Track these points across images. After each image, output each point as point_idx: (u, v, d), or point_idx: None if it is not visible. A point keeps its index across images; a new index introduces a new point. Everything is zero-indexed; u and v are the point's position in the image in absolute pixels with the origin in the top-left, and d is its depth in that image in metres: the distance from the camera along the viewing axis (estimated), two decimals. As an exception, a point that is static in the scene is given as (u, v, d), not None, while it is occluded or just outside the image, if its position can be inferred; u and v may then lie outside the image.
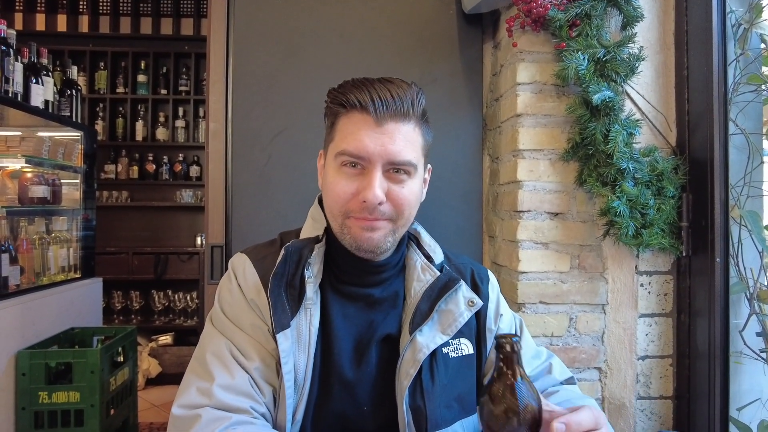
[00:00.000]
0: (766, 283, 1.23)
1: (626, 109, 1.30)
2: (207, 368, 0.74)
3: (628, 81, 1.30)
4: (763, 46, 1.32)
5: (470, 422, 0.82)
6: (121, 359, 2.29)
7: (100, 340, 2.31)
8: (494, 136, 1.53)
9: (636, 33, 1.29)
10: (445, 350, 0.81)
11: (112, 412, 2.09)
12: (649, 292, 1.32)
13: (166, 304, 3.91)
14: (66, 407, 1.92)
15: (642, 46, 1.30)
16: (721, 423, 1.15)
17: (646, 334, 1.32)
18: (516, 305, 1.30)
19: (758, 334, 1.17)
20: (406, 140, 0.76)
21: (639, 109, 1.34)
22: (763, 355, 1.17)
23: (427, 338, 0.79)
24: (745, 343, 1.18)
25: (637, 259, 1.32)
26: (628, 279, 1.32)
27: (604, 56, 1.26)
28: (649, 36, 1.35)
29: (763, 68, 1.34)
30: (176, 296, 3.90)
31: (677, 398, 1.31)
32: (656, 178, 1.27)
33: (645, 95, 1.34)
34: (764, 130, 1.34)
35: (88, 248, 2.70)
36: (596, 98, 1.22)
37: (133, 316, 3.88)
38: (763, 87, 1.32)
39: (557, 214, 1.32)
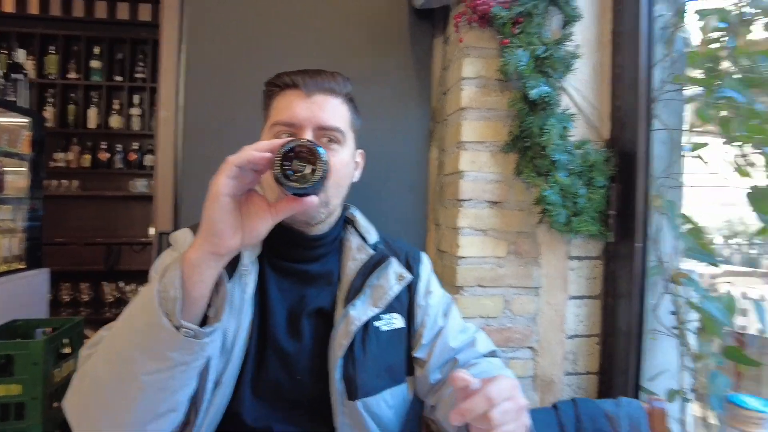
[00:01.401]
0: (680, 266, 1.34)
1: (563, 103, 1.37)
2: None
3: (566, 77, 1.37)
4: (685, 48, 1.42)
5: (399, 390, 0.87)
6: (68, 351, 2.23)
7: (45, 332, 2.25)
8: (442, 129, 1.59)
9: (573, 32, 1.36)
10: (377, 324, 0.86)
11: (55, 405, 2.04)
12: (579, 276, 1.40)
13: (118, 295, 3.82)
14: (6, 401, 1.86)
15: (578, 45, 1.37)
16: (633, 393, 1.25)
17: (576, 315, 1.40)
18: (455, 288, 1.35)
19: (672, 313, 1.28)
20: (334, 110, 0.84)
21: (575, 104, 1.41)
22: (675, 331, 1.27)
23: (360, 311, 0.84)
24: (659, 322, 1.29)
25: (569, 245, 1.40)
26: (560, 264, 1.39)
27: (543, 53, 1.32)
28: (588, 35, 1.42)
29: (689, 69, 1.44)
30: (128, 287, 3.81)
31: (601, 373, 1.40)
32: (588, 169, 1.34)
33: (583, 91, 1.41)
34: (685, 127, 1.44)
35: (34, 238, 2.62)
36: (534, 93, 1.29)
37: (81, 309, 3.74)
38: (686, 87, 1.42)
39: (496, 202, 1.38)
